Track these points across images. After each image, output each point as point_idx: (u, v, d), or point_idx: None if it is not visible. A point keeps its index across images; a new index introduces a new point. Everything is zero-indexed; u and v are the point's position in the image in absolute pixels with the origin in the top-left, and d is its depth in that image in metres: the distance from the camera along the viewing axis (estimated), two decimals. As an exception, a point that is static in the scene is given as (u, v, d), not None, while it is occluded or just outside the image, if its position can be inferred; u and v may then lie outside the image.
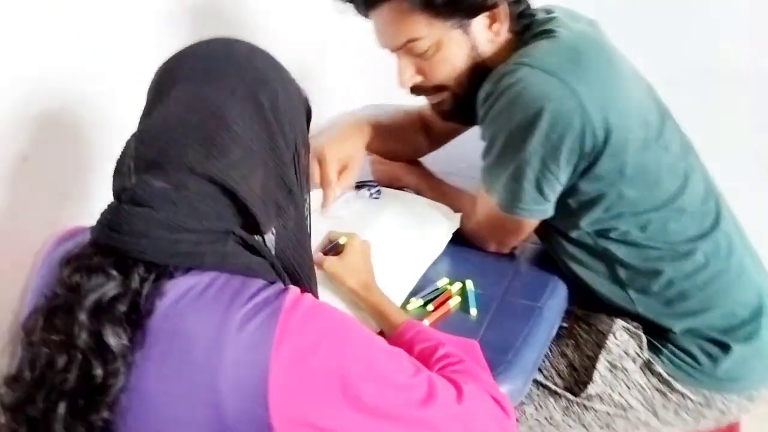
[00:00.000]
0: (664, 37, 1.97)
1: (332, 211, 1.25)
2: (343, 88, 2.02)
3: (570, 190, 1.09)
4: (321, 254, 1.07)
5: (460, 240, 1.25)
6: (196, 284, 0.68)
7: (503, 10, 1.09)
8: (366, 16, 1.12)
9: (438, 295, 1.11)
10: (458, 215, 1.26)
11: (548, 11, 1.15)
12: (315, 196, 1.24)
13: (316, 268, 1.02)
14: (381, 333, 0.98)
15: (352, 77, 1.98)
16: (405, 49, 1.10)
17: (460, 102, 1.16)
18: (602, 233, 1.13)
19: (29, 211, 1.14)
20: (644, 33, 1.82)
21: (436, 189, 1.36)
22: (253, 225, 0.74)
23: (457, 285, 1.13)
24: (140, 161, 0.70)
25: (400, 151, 1.42)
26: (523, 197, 1.08)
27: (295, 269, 0.80)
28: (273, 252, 0.77)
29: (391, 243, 1.18)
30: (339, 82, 2.00)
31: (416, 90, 1.17)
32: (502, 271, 1.19)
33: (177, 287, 0.67)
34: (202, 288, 0.68)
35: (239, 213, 0.73)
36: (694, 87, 1.94)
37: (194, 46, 0.78)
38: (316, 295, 0.83)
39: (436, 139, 1.44)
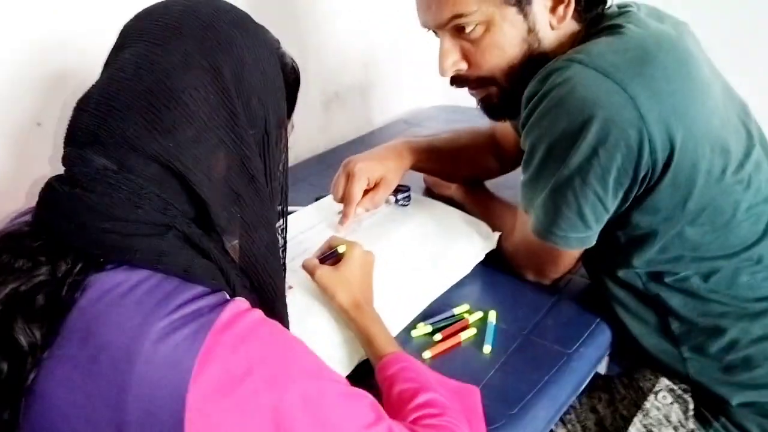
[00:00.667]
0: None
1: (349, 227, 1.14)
2: (416, 84, 1.94)
3: (619, 221, 0.93)
4: (316, 260, 0.95)
5: (497, 263, 1.11)
6: (122, 282, 0.58)
7: None
8: None
9: (451, 323, 0.97)
10: (496, 235, 1.12)
11: (623, 5, 0.98)
12: (336, 209, 1.18)
13: (308, 275, 0.92)
14: (367, 361, 0.86)
15: (424, 73, 1.88)
16: (450, 28, 0.95)
17: (511, 98, 0.99)
18: (655, 276, 0.96)
19: (42, 177, 1.09)
20: (750, 46, 1.60)
21: (480, 202, 1.23)
22: (209, 218, 0.64)
23: (478, 314, 0.99)
24: (81, 132, 0.62)
25: (463, 174, 1.29)
26: (559, 222, 0.92)
27: (261, 282, 0.68)
28: (236, 258, 0.67)
29: (406, 257, 1.06)
30: (411, 78, 1.92)
31: (457, 80, 1.02)
32: (537, 305, 1.04)
33: (102, 283, 0.59)
34: (128, 287, 0.58)
35: (192, 203, 0.63)
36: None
37: (158, 3, 0.68)
38: (284, 318, 0.72)
39: (509, 162, 1.29)
